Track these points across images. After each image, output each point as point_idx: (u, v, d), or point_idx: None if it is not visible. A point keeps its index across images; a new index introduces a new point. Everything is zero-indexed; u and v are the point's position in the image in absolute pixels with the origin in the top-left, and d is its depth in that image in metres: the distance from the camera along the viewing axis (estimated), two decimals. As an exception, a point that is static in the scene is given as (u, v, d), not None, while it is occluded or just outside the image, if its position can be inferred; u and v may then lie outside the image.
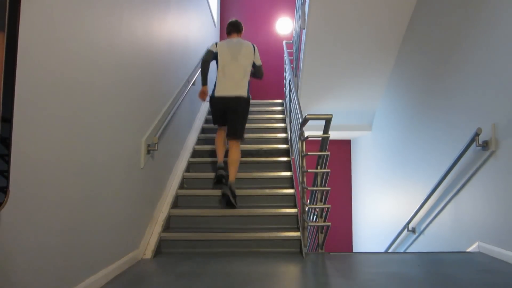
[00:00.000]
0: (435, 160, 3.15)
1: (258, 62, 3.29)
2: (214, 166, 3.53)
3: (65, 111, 1.47)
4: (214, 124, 3.28)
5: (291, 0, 6.92)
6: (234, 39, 3.31)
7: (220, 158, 3.17)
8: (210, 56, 3.20)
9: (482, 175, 2.46)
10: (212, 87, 3.21)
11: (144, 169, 2.46)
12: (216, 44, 3.25)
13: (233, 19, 3.46)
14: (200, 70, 3.26)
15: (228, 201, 2.85)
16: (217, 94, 3.10)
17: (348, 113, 5.08)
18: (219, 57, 3.18)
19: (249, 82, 3.19)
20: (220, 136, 3.26)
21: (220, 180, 2.99)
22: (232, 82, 3.09)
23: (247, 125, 3.84)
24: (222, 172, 3.00)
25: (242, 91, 3.08)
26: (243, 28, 3.47)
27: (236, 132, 3.09)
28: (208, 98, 3.27)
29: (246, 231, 2.66)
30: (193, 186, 3.31)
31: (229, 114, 3.09)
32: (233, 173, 2.98)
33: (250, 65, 3.20)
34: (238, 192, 3.04)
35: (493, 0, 2.39)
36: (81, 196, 1.60)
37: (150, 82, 2.57)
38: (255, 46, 3.31)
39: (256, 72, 3.33)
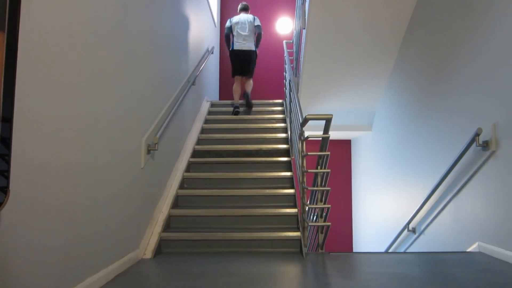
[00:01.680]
0: (436, 160, 3.15)
1: (257, 23, 4.81)
2: (214, 166, 3.56)
3: (65, 111, 1.47)
4: (233, 75, 4.82)
5: (291, 0, 6.92)
6: (243, 14, 4.89)
7: (236, 99, 4.73)
8: (229, 29, 4.81)
9: (482, 175, 2.46)
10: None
11: (144, 169, 2.46)
12: (230, 20, 4.84)
13: (244, 2, 5.06)
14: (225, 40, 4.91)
15: (247, 103, 4.59)
16: (235, 48, 4.73)
17: (348, 113, 5.07)
18: (233, 27, 4.77)
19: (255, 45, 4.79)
20: (237, 84, 4.81)
21: (237, 114, 4.55)
22: (243, 39, 4.70)
23: (247, 125, 4.29)
24: (238, 109, 4.57)
25: (251, 46, 4.72)
26: (249, 7, 5.05)
27: (249, 72, 4.79)
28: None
29: (246, 231, 2.66)
30: (193, 186, 3.31)
31: (244, 62, 4.73)
32: (248, 88, 4.73)
33: (252, 25, 4.76)
34: (239, 192, 3.09)
35: (493, 1, 2.39)
36: (81, 196, 1.60)
37: (150, 82, 2.57)
38: (255, 16, 4.89)
39: (256, 29, 4.79)
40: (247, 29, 4.71)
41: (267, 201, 3.08)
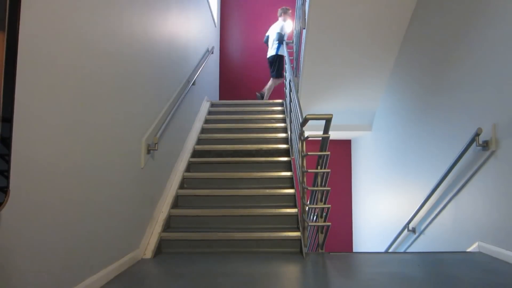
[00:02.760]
0: (436, 160, 3.15)
1: (278, 31, 5.49)
2: (214, 166, 3.57)
3: (65, 111, 1.47)
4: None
5: (291, 0, 6.91)
6: (278, 20, 5.67)
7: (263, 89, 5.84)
8: (267, 38, 5.82)
9: (482, 175, 2.46)
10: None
11: (144, 169, 2.46)
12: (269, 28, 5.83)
13: (283, 7, 5.73)
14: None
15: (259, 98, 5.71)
16: (267, 54, 5.76)
17: (348, 113, 5.07)
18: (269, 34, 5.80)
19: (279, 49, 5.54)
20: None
21: (259, 98, 5.69)
22: (270, 46, 5.66)
23: (248, 125, 4.33)
24: (259, 96, 5.73)
25: (274, 52, 5.57)
26: (284, 12, 5.67)
27: (273, 72, 5.63)
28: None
29: (246, 231, 2.66)
30: (193, 186, 3.31)
31: (270, 65, 5.70)
32: (265, 88, 5.75)
33: (277, 35, 5.50)
34: (239, 192, 3.11)
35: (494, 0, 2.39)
36: (81, 196, 1.60)
37: (150, 82, 2.57)
38: (286, 24, 5.59)
39: (278, 37, 5.56)
40: (274, 39, 5.64)
41: (267, 201, 3.08)
